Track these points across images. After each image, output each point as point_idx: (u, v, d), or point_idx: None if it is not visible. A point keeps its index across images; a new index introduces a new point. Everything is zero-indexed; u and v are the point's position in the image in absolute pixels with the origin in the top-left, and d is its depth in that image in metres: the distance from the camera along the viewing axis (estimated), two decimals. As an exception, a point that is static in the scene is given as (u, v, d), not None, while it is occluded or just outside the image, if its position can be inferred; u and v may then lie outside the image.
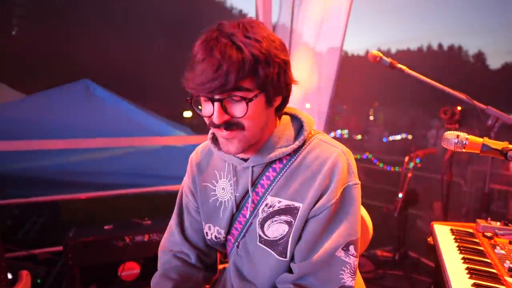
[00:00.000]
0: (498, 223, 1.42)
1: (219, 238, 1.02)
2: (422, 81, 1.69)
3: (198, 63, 0.77)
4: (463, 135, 0.90)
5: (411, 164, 3.56)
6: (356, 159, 0.92)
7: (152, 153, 3.67)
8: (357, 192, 0.87)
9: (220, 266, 1.15)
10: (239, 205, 0.96)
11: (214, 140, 1.00)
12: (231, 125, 0.82)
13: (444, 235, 1.42)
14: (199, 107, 0.87)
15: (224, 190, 0.99)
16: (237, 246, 0.99)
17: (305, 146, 0.91)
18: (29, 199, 2.38)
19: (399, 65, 1.72)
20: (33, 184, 3.57)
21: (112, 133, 3.47)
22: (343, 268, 0.84)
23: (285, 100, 0.90)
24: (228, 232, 1.00)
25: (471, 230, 1.46)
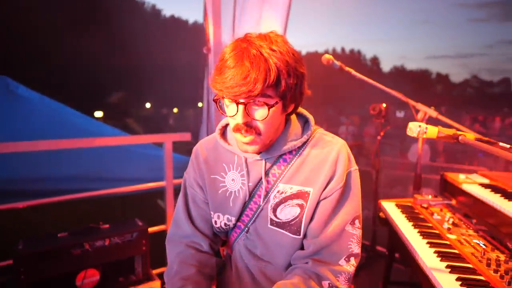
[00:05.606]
0: (430, 196, 1.78)
1: (228, 225, 1.10)
2: (365, 81, 1.99)
3: (228, 68, 0.86)
4: (423, 125, 1.14)
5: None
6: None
7: (95, 155, 3.41)
8: (357, 176, 1.05)
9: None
10: (251, 193, 1.06)
11: (223, 136, 1.10)
12: (250, 128, 0.92)
13: (392, 209, 1.72)
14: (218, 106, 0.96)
15: (234, 181, 1.08)
16: (247, 231, 1.09)
17: (310, 139, 1.05)
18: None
19: (347, 68, 1.99)
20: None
21: (44, 135, 3.14)
22: (351, 239, 1.00)
23: (297, 107, 1.02)
24: (238, 219, 1.09)
25: (410, 204, 1.80)
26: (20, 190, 3.09)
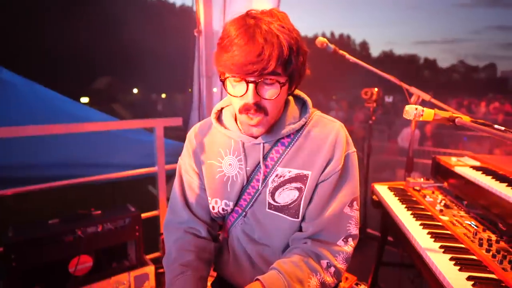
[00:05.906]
0: (422, 179, 1.80)
1: (226, 210, 1.09)
2: (358, 65, 1.97)
3: (238, 45, 0.82)
4: (420, 107, 1.14)
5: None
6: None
7: (83, 141, 3.32)
8: (355, 158, 1.04)
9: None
10: (249, 178, 1.05)
11: (219, 120, 1.07)
12: (259, 108, 0.90)
13: (385, 192, 1.74)
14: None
15: (231, 166, 1.06)
16: (244, 216, 1.08)
17: (308, 121, 1.04)
18: None
19: (341, 51, 1.97)
20: None
21: (29, 120, 3.04)
22: (349, 221, 1.01)
23: (296, 87, 1.01)
24: (236, 204, 1.08)
25: (402, 187, 1.82)
26: (8, 177, 3.01)
